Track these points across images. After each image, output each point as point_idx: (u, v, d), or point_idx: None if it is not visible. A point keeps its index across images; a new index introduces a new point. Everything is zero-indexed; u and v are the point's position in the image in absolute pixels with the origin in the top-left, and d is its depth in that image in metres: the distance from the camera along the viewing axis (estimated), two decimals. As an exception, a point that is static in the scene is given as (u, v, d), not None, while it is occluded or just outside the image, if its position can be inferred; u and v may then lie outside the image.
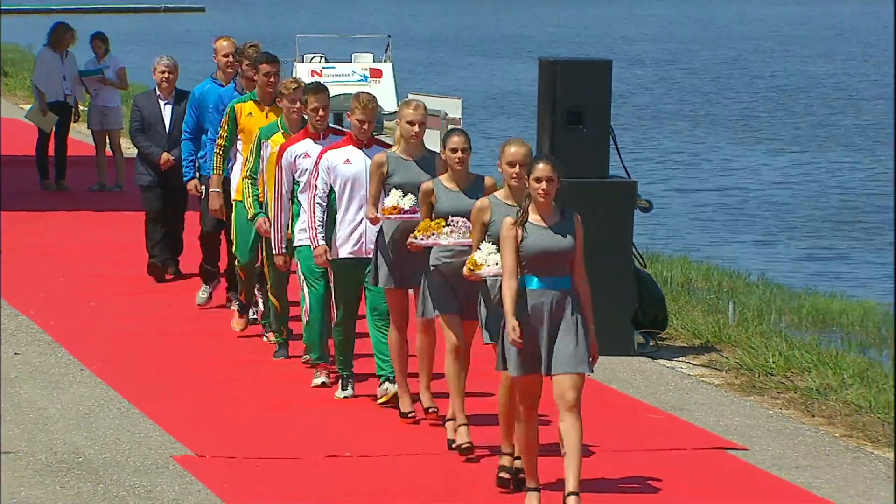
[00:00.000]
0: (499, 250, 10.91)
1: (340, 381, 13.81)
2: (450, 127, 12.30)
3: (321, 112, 13.59)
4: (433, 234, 11.92)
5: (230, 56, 16.35)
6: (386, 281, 12.75)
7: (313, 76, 37.81)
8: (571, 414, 10.64)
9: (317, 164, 13.21)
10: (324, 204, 13.20)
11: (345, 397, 13.76)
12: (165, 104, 18.06)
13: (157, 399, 14.26)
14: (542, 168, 10.61)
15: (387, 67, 40.26)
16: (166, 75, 18.09)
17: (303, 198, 13.58)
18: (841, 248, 28.43)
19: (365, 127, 13.03)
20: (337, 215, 13.23)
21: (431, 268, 12.21)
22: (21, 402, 13.93)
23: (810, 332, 18.46)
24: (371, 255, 12.99)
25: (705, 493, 11.92)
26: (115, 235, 21.81)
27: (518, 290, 10.59)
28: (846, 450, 13.10)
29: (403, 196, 12.41)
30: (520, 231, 10.58)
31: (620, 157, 16.39)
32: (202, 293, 17.26)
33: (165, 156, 17.45)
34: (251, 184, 14.50)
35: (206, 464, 12.53)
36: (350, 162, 13.12)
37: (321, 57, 41.09)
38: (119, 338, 16.40)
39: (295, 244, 13.84)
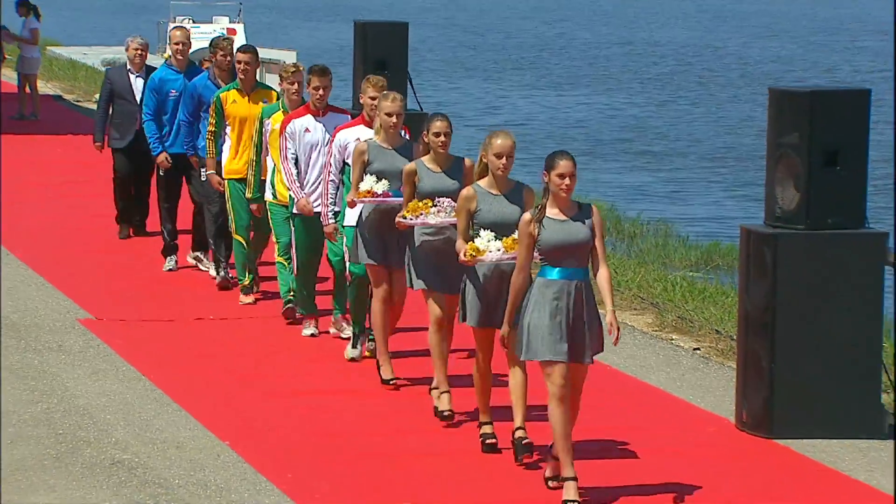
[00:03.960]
0: (498, 237, 9.10)
1: (351, 338, 11.53)
2: (432, 112, 10.37)
3: (321, 91, 11.72)
4: (421, 214, 9.91)
5: (181, 45, 14.35)
6: (364, 257, 10.71)
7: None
8: (573, 400, 8.65)
9: (330, 143, 11.28)
10: (336, 181, 11.19)
11: (352, 358, 11.49)
12: (137, 77, 15.56)
13: (65, 274, 14.20)
14: (564, 165, 8.59)
15: (240, 27, 40.43)
16: (139, 52, 15.61)
17: (303, 170, 11.79)
18: (591, 163, 28.94)
19: (377, 104, 10.93)
20: (349, 193, 11.02)
21: (416, 244, 10.05)
22: (-40, 279, 13.89)
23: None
24: None
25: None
26: (33, 153, 21.67)
27: (524, 285, 8.67)
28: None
29: (377, 181, 10.54)
30: (536, 227, 8.57)
31: (416, 95, 16.65)
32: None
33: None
34: (255, 162, 12.55)
35: (104, 325, 12.53)
36: (360, 140, 11.02)
37: (189, 19, 40.99)
38: (38, 228, 16.30)
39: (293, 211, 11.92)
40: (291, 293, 12.42)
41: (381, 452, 9.48)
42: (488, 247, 9.07)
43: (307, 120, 11.83)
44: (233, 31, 39.80)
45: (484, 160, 9.21)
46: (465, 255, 9.13)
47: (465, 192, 9.23)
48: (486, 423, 9.45)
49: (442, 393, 10.00)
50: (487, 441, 9.38)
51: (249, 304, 13.14)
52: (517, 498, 8.76)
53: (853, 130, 9.98)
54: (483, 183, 9.24)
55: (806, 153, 9.93)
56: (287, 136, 11.82)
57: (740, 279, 10.33)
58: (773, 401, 9.91)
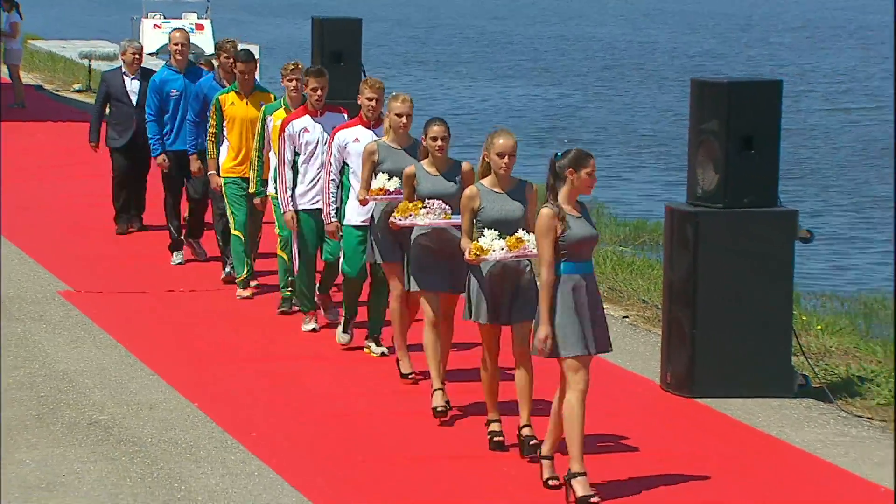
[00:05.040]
0: (501, 236, 8.48)
1: (343, 322, 10.85)
2: (430, 117, 9.63)
3: (319, 92, 11.02)
4: (410, 215, 9.33)
5: (180, 45, 13.64)
6: (379, 256, 10.03)
7: (155, 28, 37.71)
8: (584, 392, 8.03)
9: (329, 142, 10.54)
10: (337, 180, 10.46)
11: (346, 342, 10.89)
12: (132, 80, 14.78)
13: (45, 249, 14.15)
14: (593, 163, 8.05)
15: (207, 23, 40.15)
16: (136, 56, 14.80)
17: (303, 169, 11.13)
18: (528, 149, 29.00)
19: (373, 104, 10.34)
20: (350, 189, 10.48)
21: (412, 244, 9.48)
22: (-52, 255, 13.79)
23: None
24: None
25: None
26: (16, 138, 21.51)
27: (555, 280, 7.96)
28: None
29: (389, 179, 9.87)
30: (560, 224, 7.94)
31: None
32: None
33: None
34: (257, 158, 11.85)
35: (81, 296, 12.49)
36: (359, 140, 10.36)
37: (161, 14, 40.78)
38: (19, 206, 16.17)
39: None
40: (289, 289, 11.83)
41: (341, 412, 9.49)
42: (492, 245, 8.47)
43: (305, 120, 11.13)
44: (201, 27, 39.58)
45: (486, 160, 8.62)
46: (469, 255, 8.52)
47: (468, 190, 8.66)
48: (493, 421, 8.79)
49: (436, 390, 9.33)
50: (495, 438, 8.72)
51: (247, 297, 12.45)
52: (460, 452, 8.80)
53: (766, 118, 10.05)
54: (486, 181, 8.66)
55: (724, 138, 9.98)
56: (286, 139, 11.13)
57: (665, 253, 10.38)
58: (695, 364, 9.98)
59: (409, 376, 10.08)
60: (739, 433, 9.31)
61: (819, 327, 12.28)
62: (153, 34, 38.12)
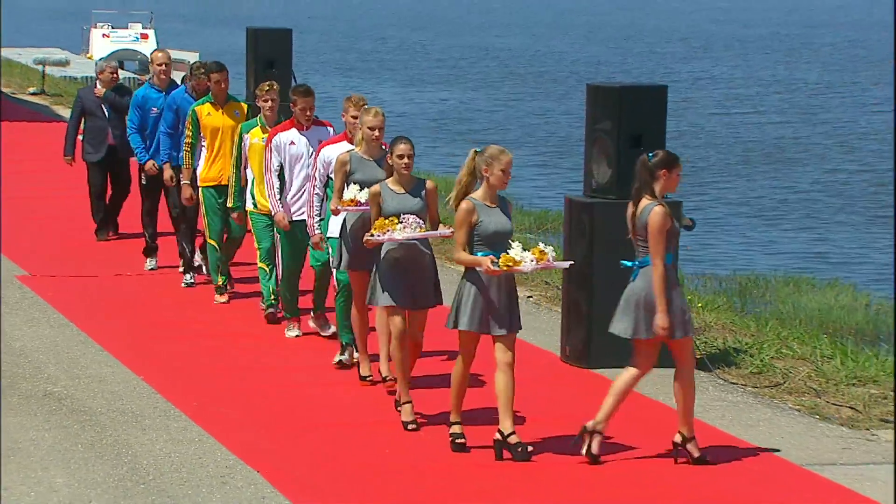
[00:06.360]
0: (525, 248, 7.99)
1: (341, 346, 10.04)
2: (396, 136, 8.92)
3: (308, 112, 10.44)
4: (388, 231, 8.60)
5: (164, 65, 12.90)
6: (347, 264, 9.38)
7: (104, 38, 37.43)
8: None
9: (315, 157, 9.91)
10: (321, 194, 9.79)
11: (339, 360, 10.03)
12: (107, 93, 14.12)
13: (4, 237, 13.95)
14: (681, 165, 8.08)
15: (151, 32, 39.97)
16: (112, 74, 14.24)
17: (289, 180, 10.54)
18: (441, 148, 29.00)
19: (357, 122, 9.63)
20: (331, 202, 9.59)
21: (382, 259, 8.73)
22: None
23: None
24: None
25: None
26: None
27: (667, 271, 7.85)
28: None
29: (360, 190, 9.17)
30: (669, 218, 7.77)
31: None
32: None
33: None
34: (234, 173, 11.14)
35: (37, 280, 12.39)
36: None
37: (109, 25, 40.44)
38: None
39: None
40: (273, 297, 11.12)
41: (280, 384, 9.48)
42: (523, 257, 7.93)
43: (292, 133, 10.53)
44: (145, 36, 39.36)
45: (486, 174, 8.01)
46: (493, 266, 7.88)
47: (465, 205, 8.00)
48: (455, 423, 8.29)
49: (404, 403, 8.72)
50: (457, 441, 8.24)
51: (223, 303, 11.81)
52: (365, 416, 8.81)
53: (654, 119, 10.16)
54: (478, 196, 8.06)
55: (616, 137, 10.08)
56: (273, 148, 10.53)
57: (565, 239, 10.46)
58: (591, 338, 10.08)
59: (367, 378, 9.59)
60: (629, 399, 9.40)
61: (700, 305, 12.44)
62: (101, 43, 37.77)
